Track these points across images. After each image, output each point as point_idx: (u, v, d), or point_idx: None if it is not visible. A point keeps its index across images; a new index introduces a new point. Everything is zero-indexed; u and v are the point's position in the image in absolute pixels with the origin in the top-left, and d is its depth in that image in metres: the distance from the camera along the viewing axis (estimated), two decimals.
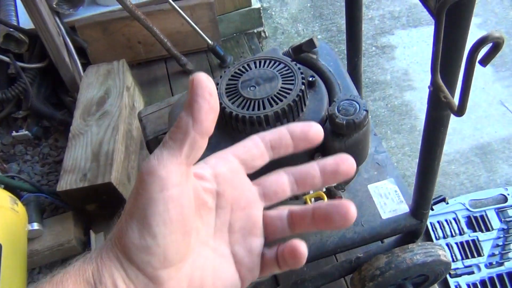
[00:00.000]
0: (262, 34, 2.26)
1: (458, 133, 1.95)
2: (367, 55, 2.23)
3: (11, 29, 1.88)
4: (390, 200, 1.08)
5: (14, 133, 1.95)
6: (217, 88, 0.91)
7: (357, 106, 0.82)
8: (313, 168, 0.40)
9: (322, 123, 0.87)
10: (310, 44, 0.93)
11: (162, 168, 0.34)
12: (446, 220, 1.68)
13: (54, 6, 1.87)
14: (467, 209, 1.69)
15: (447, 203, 1.71)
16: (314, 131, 0.41)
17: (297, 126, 0.41)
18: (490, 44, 0.43)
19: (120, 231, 0.35)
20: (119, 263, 0.35)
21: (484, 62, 0.44)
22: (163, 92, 2.06)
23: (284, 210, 0.42)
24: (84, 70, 1.92)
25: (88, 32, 1.97)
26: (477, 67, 0.45)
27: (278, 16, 2.43)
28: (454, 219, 1.68)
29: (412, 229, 1.07)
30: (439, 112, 0.74)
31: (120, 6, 1.81)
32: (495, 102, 2.01)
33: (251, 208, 0.41)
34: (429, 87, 0.71)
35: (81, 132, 1.64)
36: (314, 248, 1.05)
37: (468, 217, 1.68)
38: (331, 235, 1.05)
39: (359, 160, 0.87)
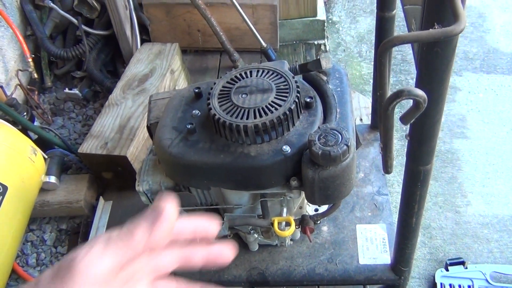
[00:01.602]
0: (322, 47, 2.21)
1: (503, 196, 1.76)
2: None
3: None
4: (374, 246, 1.00)
5: (66, 90, 2.09)
6: (212, 88, 0.90)
7: (339, 138, 0.76)
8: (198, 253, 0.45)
9: (305, 148, 0.82)
10: (316, 64, 0.88)
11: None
12: (459, 286, 1.53)
13: None
14: (487, 280, 1.53)
15: (466, 268, 1.56)
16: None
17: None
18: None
19: None
20: None
21: (405, 120, 0.38)
22: None
23: None
24: None
25: (152, 11, 2.05)
26: None
27: (345, 33, 2.36)
28: (469, 286, 1.53)
29: (389, 284, 0.98)
30: (416, 166, 0.67)
31: None
32: None
33: None
34: (406, 137, 0.65)
35: (117, 103, 1.71)
36: (280, 274, 1.00)
37: None
38: (301, 264, 1.00)
39: (333, 197, 0.81)
